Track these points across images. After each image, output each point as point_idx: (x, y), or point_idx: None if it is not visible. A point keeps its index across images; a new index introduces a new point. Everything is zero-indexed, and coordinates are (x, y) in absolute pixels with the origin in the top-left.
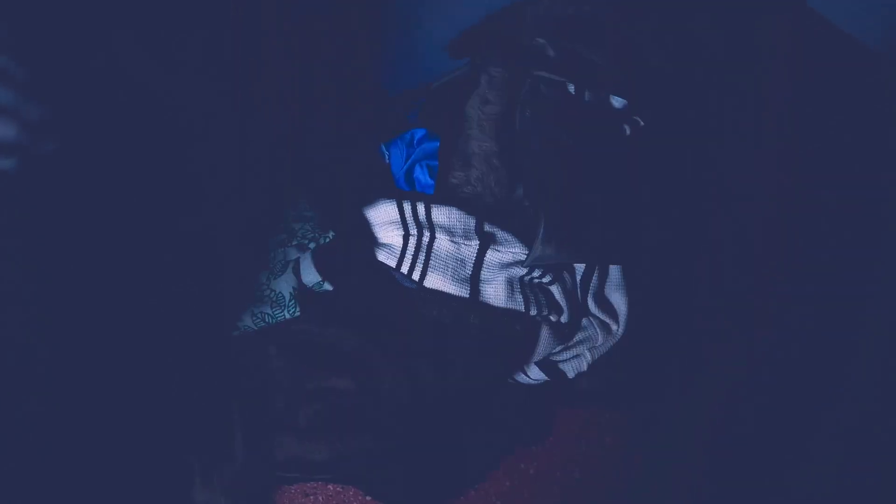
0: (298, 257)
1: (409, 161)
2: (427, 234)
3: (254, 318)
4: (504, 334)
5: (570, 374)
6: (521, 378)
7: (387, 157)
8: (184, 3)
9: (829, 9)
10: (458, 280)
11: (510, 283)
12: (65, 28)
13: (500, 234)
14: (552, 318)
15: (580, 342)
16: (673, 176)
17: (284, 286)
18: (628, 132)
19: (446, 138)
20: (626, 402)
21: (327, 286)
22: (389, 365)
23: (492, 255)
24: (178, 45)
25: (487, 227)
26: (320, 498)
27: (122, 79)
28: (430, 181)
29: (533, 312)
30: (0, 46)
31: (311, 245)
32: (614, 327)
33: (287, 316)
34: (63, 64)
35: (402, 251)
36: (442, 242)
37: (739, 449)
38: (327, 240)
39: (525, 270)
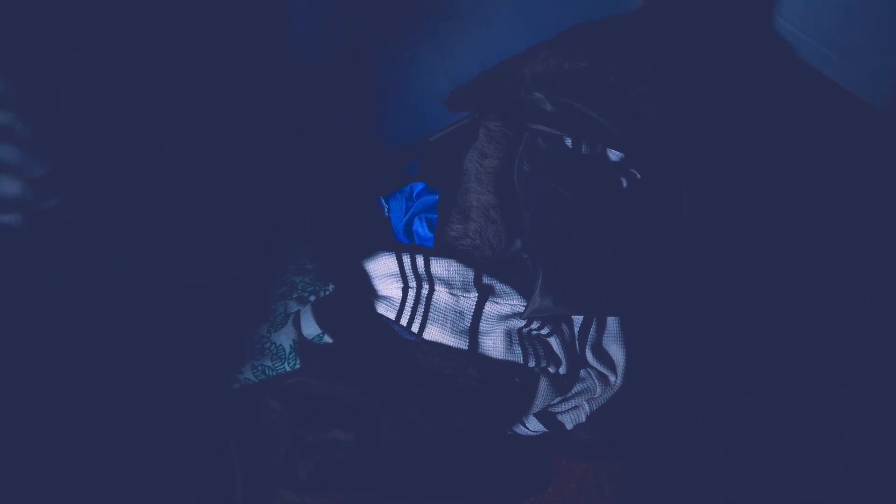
0: (299, 310)
1: (409, 214)
2: (426, 286)
3: (254, 371)
4: (502, 386)
5: (569, 426)
6: (520, 430)
7: (386, 210)
8: (180, 63)
9: (826, 64)
10: (457, 332)
11: (509, 334)
12: (67, 87)
13: (498, 286)
14: (550, 369)
15: (578, 393)
16: (670, 227)
17: (285, 339)
18: (625, 185)
19: (445, 191)
20: (624, 454)
21: (327, 338)
22: (389, 416)
23: (490, 307)
24: (176, 103)
25: (486, 280)
26: None
27: (123, 137)
28: (429, 234)
29: (531, 364)
30: (5, 104)
31: (312, 298)
32: (612, 378)
33: (287, 368)
34: (66, 122)
35: (401, 303)
36: (441, 295)
37: (740, 500)
38: (327, 292)
39: (523, 322)
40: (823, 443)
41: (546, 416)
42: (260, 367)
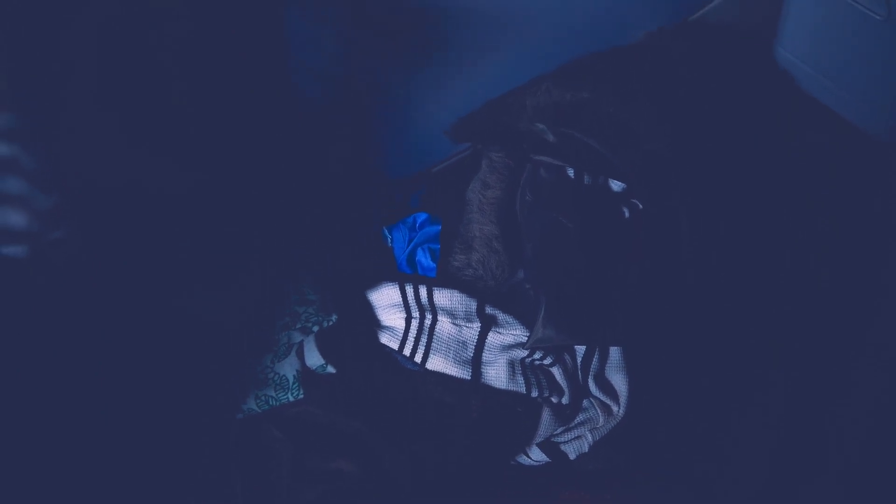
0: (302, 340)
1: (412, 244)
2: (429, 316)
3: (258, 401)
4: (505, 416)
5: (572, 456)
6: (523, 460)
7: (389, 240)
8: (183, 96)
9: (826, 94)
10: (460, 362)
11: (511, 364)
12: (71, 119)
13: (501, 316)
14: (553, 399)
15: (581, 423)
16: (672, 257)
17: (288, 369)
18: (627, 215)
19: (448, 222)
20: (627, 483)
21: (330, 369)
22: (392, 446)
23: (493, 338)
24: (180, 136)
25: (489, 310)
26: None
27: (127, 169)
28: (432, 264)
29: (534, 394)
30: (10, 136)
31: (315, 328)
32: (615, 408)
33: (291, 398)
34: (71, 155)
35: (404, 334)
36: (444, 325)
37: None
38: (330, 323)
39: (526, 352)
40: (825, 462)
41: (549, 446)
42: (263, 397)
